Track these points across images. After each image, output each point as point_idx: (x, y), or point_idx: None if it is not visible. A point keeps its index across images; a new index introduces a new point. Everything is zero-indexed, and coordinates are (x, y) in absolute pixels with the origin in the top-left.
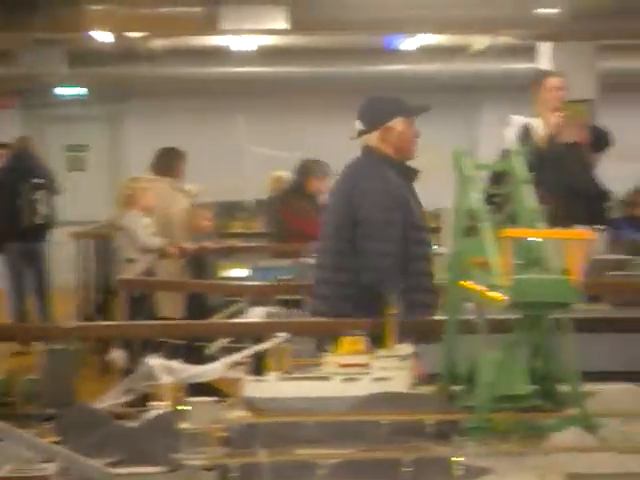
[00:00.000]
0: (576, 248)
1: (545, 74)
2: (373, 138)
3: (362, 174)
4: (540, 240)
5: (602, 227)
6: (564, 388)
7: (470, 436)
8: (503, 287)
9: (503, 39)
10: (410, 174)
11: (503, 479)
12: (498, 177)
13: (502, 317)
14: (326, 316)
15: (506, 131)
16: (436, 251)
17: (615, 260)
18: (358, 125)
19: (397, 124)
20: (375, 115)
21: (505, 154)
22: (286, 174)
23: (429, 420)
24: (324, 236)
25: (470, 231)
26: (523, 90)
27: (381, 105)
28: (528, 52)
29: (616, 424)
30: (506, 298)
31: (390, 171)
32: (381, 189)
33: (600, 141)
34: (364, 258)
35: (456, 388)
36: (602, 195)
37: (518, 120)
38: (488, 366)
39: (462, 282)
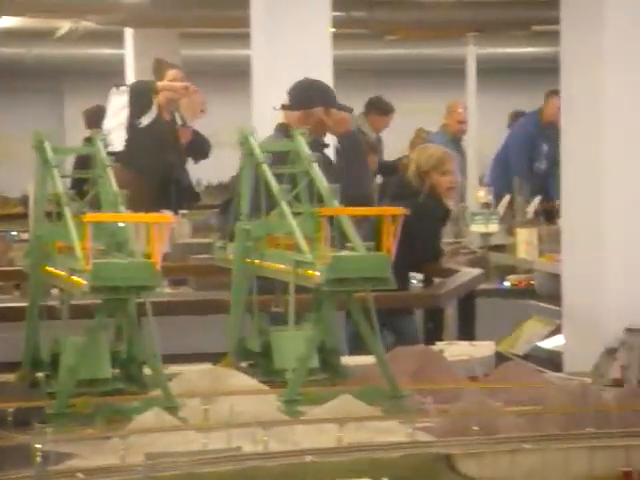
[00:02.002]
0: (156, 232)
1: (166, 66)
2: (293, 116)
3: None
4: (121, 224)
5: (187, 212)
6: (146, 371)
7: (52, 422)
8: (84, 272)
9: (87, 24)
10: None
11: (85, 463)
12: (84, 161)
13: (86, 302)
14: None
15: (116, 100)
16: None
17: (198, 244)
18: (285, 99)
19: (319, 112)
20: (303, 97)
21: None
22: None
23: (9, 408)
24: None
25: (53, 215)
26: (109, 75)
27: (312, 90)
28: (114, 37)
29: (197, 403)
30: (86, 282)
31: None
32: None
33: (199, 149)
34: None
35: (40, 374)
36: (189, 185)
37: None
38: (70, 351)
39: (45, 267)
